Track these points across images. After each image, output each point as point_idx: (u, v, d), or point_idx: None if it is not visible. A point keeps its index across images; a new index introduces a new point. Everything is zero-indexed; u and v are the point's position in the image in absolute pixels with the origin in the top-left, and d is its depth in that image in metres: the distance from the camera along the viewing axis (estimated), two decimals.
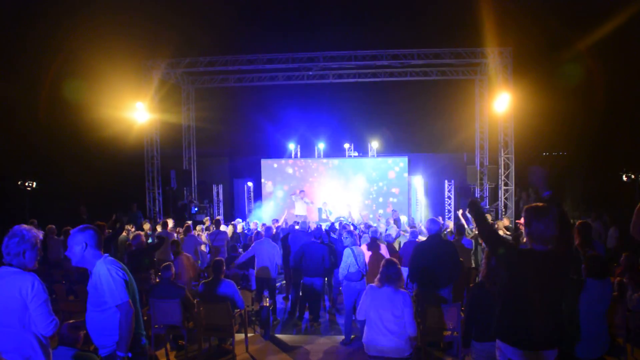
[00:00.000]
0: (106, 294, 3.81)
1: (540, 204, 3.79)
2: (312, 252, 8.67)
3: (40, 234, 3.85)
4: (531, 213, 3.74)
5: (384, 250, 8.62)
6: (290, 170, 19.90)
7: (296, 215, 16.36)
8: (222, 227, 12.56)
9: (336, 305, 9.85)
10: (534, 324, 3.63)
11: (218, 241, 11.37)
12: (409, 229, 11.14)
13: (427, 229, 7.49)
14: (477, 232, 12.22)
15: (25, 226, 3.79)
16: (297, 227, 11.49)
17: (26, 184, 17.43)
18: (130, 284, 3.94)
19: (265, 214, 19.27)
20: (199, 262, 10.90)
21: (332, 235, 10.60)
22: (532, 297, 3.64)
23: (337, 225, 12.71)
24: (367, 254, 8.28)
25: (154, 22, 18.03)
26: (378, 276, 5.31)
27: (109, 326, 3.85)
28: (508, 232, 11.93)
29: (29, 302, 3.60)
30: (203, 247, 11.62)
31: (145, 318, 7.52)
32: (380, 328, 5.08)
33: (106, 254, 4.01)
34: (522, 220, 3.83)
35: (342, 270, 7.76)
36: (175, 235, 11.54)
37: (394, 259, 5.46)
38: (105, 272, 3.82)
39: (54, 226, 11.57)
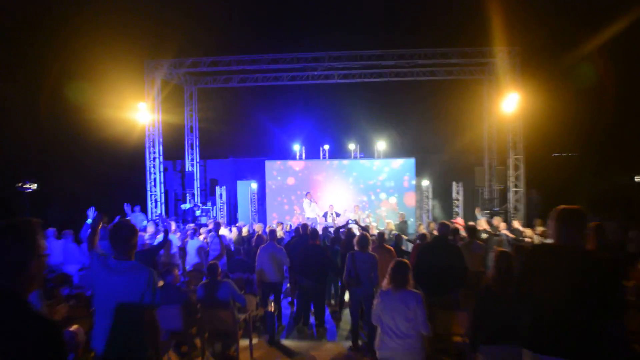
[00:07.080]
0: None
1: (568, 207, 3.66)
2: (312, 255, 8.45)
3: None
4: (557, 216, 3.64)
5: (391, 253, 8.39)
6: (295, 172, 19.62)
7: (307, 218, 16.09)
8: (222, 230, 12.30)
9: (342, 309, 9.62)
10: (556, 326, 3.41)
11: (217, 244, 11.11)
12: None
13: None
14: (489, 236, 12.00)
15: None
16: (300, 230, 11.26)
17: (25, 186, 17.20)
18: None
19: (269, 216, 19.08)
20: (203, 265, 10.67)
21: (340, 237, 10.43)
22: (553, 291, 3.46)
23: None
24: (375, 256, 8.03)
25: (157, 22, 17.92)
26: (387, 279, 5.11)
27: None
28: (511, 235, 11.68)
29: None
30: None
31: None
32: (394, 332, 4.87)
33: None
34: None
35: (345, 274, 7.61)
36: (177, 238, 11.33)
37: (404, 260, 5.24)
38: None
39: (54, 229, 11.25)
